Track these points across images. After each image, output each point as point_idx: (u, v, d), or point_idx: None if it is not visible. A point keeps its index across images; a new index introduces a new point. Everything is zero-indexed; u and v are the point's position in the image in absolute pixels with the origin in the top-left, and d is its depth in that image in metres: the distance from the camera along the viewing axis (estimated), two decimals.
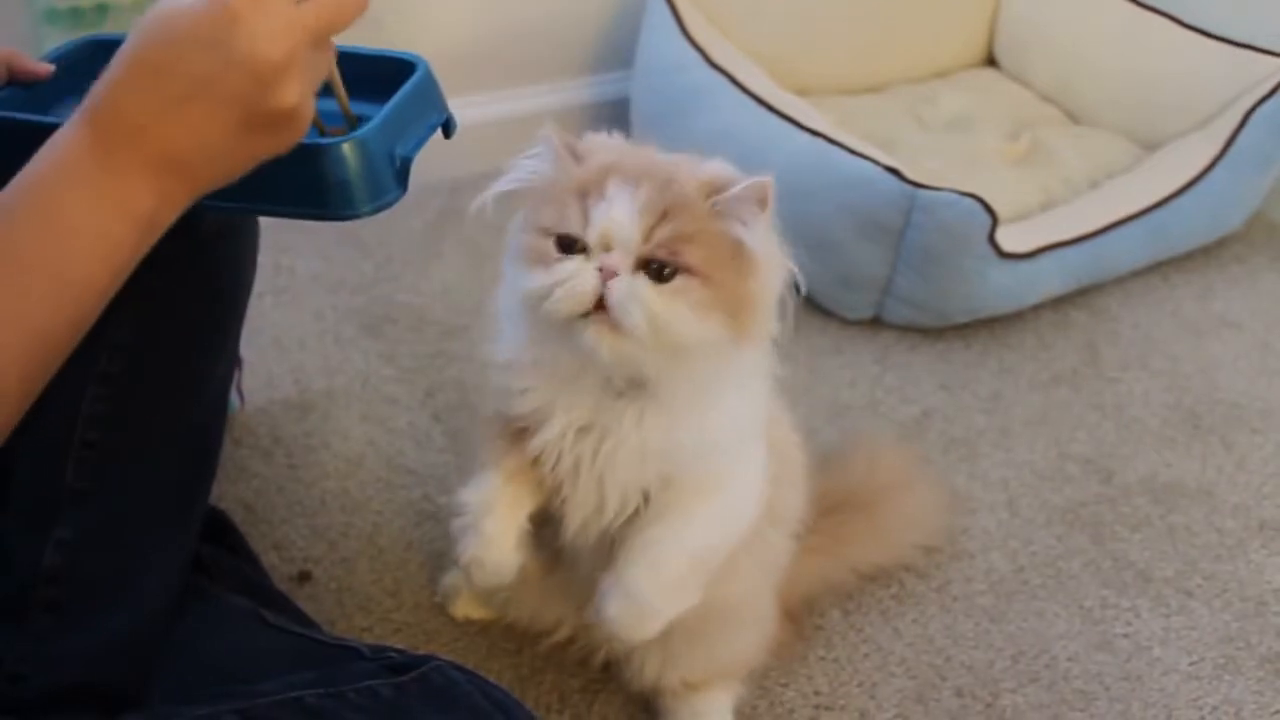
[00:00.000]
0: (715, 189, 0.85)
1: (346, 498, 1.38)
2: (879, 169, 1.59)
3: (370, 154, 0.80)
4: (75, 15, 1.34)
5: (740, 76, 1.75)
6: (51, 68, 0.92)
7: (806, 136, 1.66)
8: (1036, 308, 1.74)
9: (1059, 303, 1.76)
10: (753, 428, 0.96)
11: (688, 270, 0.83)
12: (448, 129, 0.91)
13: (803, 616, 1.25)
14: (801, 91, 1.89)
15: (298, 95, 0.67)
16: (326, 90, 0.95)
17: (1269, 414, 1.60)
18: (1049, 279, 1.70)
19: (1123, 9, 2.01)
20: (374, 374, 1.56)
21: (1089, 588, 1.34)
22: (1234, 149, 1.80)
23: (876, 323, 1.71)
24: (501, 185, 0.90)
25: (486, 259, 1.77)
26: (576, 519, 0.95)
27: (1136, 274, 1.83)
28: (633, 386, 0.89)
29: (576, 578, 1.04)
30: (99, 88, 0.66)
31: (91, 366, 0.92)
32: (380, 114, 0.83)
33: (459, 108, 0.92)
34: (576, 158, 0.88)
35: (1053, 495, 1.45)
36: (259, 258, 1.10)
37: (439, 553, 1.30)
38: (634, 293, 0.82)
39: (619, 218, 0.83)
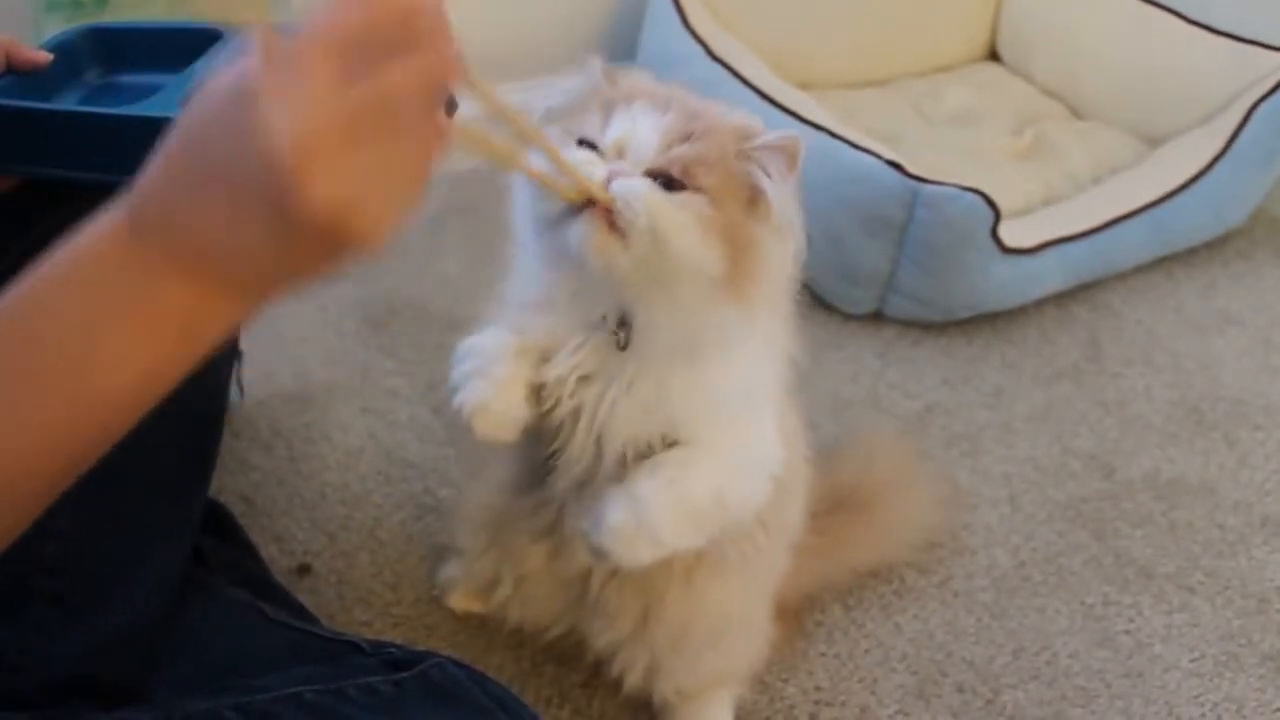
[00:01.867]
0: (746, 135, 0.84)
1: (347, 491, 1.38)
2: (882, 163, 1.59)
3: None
4: (75, 4, 1.33)
5: (743, 70, 1.75)
6: (50, 56, 0.92)
7: (809, 131, 1.65)
8: (1039, 303, 1.74)
9: (1061, 298, 1.76)
10: (759, 398, 0.92)
11: (699, 190, 0.81)
12: (449, 108, 0.91)
13: (803, 613, 1.25)
14: (804, 86, 1.88)
15: (336, 199, 0.52)
16: None
17: (1271, 410, 1.60)
18: (1051, 274, 1.70)
19: (1126, 4, 2.00)
20: (375, 367, 1.56)
21: (1090, 584, 1.34)
22: (1237, 145, 1.79)
23: (879, 317, 1.71)
24: (542, 100, 0.87)
25: (489, 252, 1.76)
26: (571, 470, 0.92)
27: (1139, 270, 1.83)
28: (623, 329, 0.86)
29: (571, 569, 1.03)
30: (140, 177, 0.57)
31: None
32: None
33: (460, 101, 0.92)
34: (613, 83, 0.87)
35: (1055, 491, 1.45)
36: None
37: (439, 546, 1.30)
38: (641, 190, 0.79)
39: (639, 129, 0.81)
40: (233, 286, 0.57)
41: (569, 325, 0.88)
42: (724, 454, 0.89)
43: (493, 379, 0.88)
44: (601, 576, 1.00)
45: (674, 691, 1.09)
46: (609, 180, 0.79)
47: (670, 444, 0.89)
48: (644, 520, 0.85)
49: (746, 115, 0.88)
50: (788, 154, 0.83)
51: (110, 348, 0.57)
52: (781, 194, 0.82)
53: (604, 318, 0.86)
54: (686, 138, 0.82)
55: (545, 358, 0.89)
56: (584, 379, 0.88)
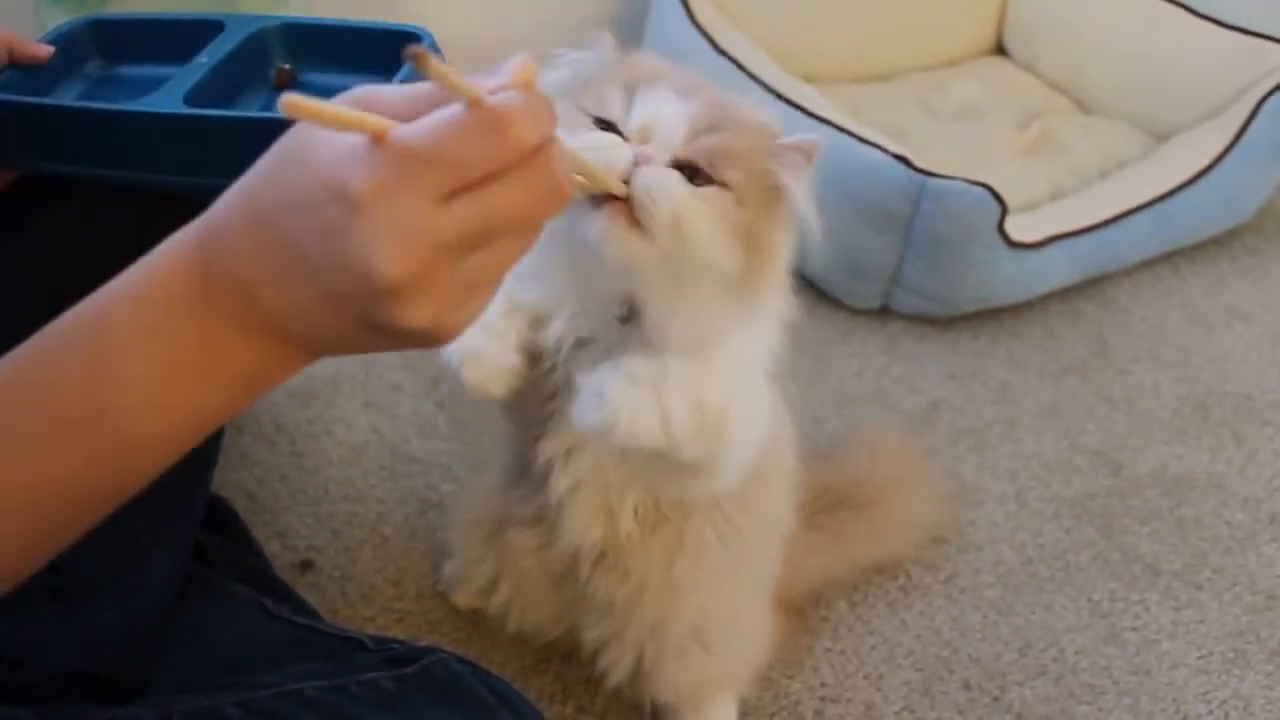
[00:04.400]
0: (770, 132, 0.82)
1: (350, 486, 1.37)
2: (887, 157, 1.58)
3: None
4: None
5: (748, 64, 1.74)
6: (50, 49, 0.91)
7: (814, 124, 1.64)
8: (1045, 298, 1.73)
9: (1068, 293, 1.75)
10: (755, 368, 0.88)
11: (724, 185, 0.78)
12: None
13: (808, 610, 1.25)
14: (810, 79, 1.88)
15: (428, 318, 0.53)
16: (328, 62, 0.94)
17: (1279, 406, 1.59)
18: (1058, 269, 1.69)
19: None
20: (378, 361, 1.55)
21: (1097, 580, 1.33)
22: (1245, 139, 1.78)
23: (884, 312, 1.70)
24: (550, 75, 0.83)
25: None
26: (557, 441, 0.90)
27: (1146, 265, 1.82)
28: (630, 312, 0.83)
29: (561, 558, 1.02)
30: (218, 215, 0.56)
31: None
32: None
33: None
34: (629, 61, 0.84)
35: (1061, 487, 1.44)
36: None
37: (442, 542, 1.29)
38: (667, 182, 0.75)
39: (665, 114, 0.77)
40: (302, 354, 0.57)
41: (568, 301, 0.86)
42: (742, 387, 0.86)
43: (484, 327, 0.85)
44: (589, 560, 0.98)
45: (673, 693, 1.09)
46: (634, 167, 0.75)
47: None
48: (663, 388, 0.80)
49: (764, 110, 0.86)
50: (806, 154, 0.81)
51: (141, 403, 0.55)
52: (802, 194, 0.81)
53: (615, 304, 0.83)
54: (714, 128, 0.79)
55: (540, 323, 0.87)
56: (580, 344, 0.86)
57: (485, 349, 0.85)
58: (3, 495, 0.55)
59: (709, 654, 1.05)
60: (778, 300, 0.88)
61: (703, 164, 0.77)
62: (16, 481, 0.55)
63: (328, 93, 0.92)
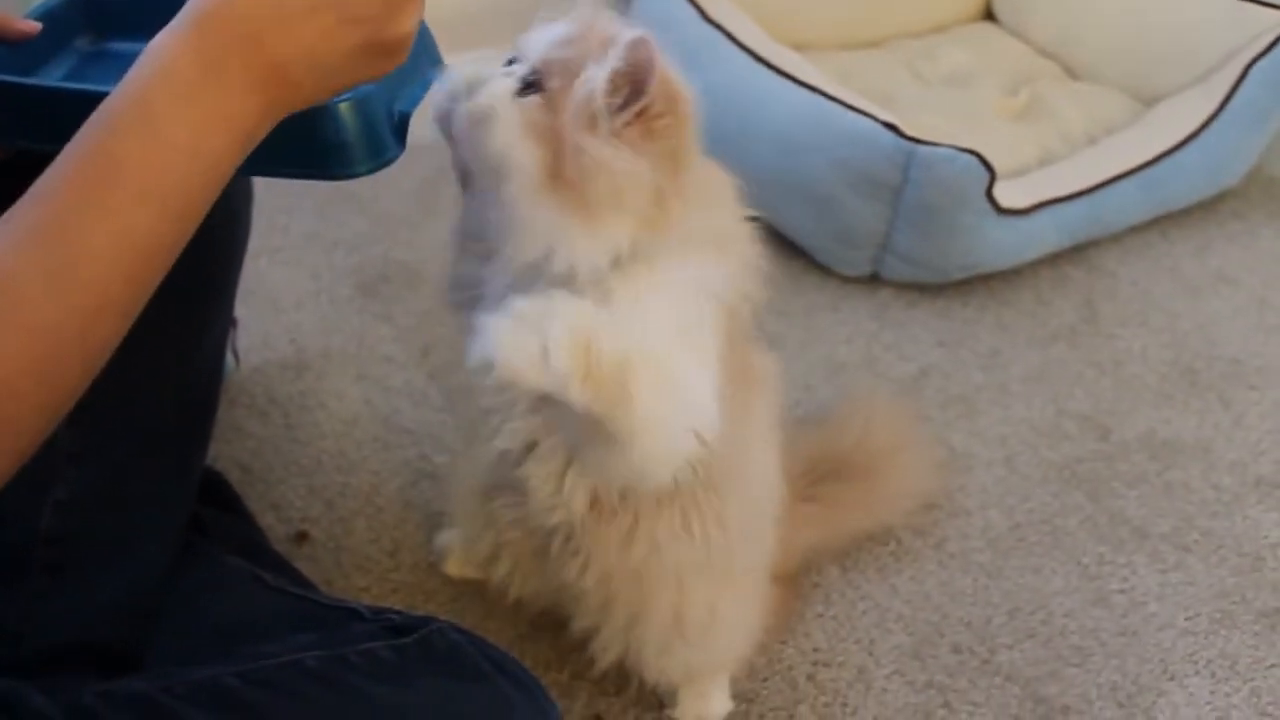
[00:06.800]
0: (610, 42, 0.83)
1: (343, 458, 1.38)
2: (876, 125, 1.58)
3: (369, 113, 0.80)
4: None
5: (736, 32, 1.73)
6: (38, 26, 0.91)
7: (803, 92, 1.64)
8: (1034, 264, 1.74)
9: (1057, 259, 1.76)
10: (688, 341, 0.86)
11: (543, 92, 0.82)
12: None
13: (799, 576, 1.26)
14: (799, 47, 1.87)
15: (413, 24, 0.70)
16: None
17: (1266, 370, 1.60)
18: (1047, 235, 1.70)
19: None
20: (370, 333, 1.55)
21: (1086, 544, 1.34)
22: (1232, 104, 1.78)
23: (874, 279, 1.71)
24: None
25: None
26: (517, 423, 0.91)
27: (1134, 230, 1.82)
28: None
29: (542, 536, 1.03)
30: None
31: None
32: None
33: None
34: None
35: (1050, 452, 1.45)
36: (254, 217, 1.09)
37: (437, 512, 1.30)
38: (491, 86, 0.84)
39: (535, 37, 0.86)
40: (296, 96, 0.68)
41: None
42: (651, 351, 0.83)
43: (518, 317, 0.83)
44: (559, 541, 0.99)
45: (660, 678, 1.09)
46: (488, 80, 0.85)
47: None
48: (546, 322, 0.79)
49: (644, 35, 0.84)
50: (633, 60, 0.81)
51: (184, 163, 0.64)
52: (600, 88, 0.81)
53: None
54: (566, 45, 0.84)
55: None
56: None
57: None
58: (102, 258, 0.62)
59: (691, 647, 1.05)
60: (691, 266, 0.86)
61: (537, 75, 0.83)
62: (108, 244, 0.62)
63: None
